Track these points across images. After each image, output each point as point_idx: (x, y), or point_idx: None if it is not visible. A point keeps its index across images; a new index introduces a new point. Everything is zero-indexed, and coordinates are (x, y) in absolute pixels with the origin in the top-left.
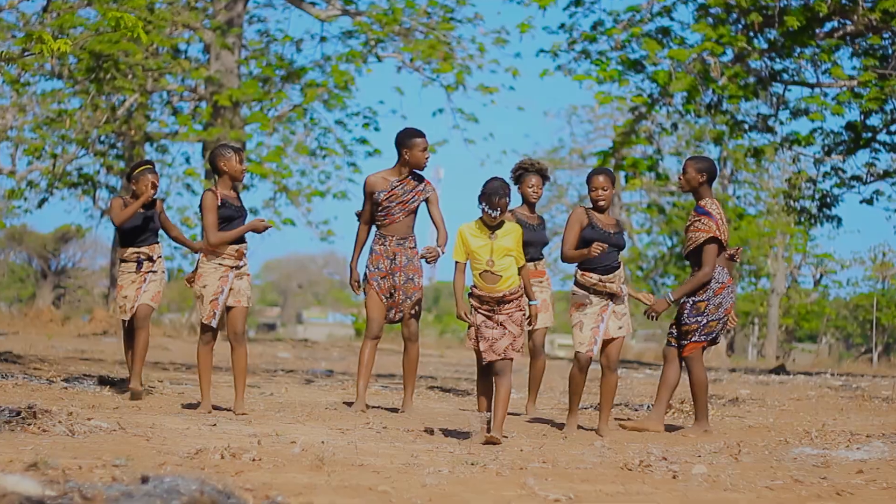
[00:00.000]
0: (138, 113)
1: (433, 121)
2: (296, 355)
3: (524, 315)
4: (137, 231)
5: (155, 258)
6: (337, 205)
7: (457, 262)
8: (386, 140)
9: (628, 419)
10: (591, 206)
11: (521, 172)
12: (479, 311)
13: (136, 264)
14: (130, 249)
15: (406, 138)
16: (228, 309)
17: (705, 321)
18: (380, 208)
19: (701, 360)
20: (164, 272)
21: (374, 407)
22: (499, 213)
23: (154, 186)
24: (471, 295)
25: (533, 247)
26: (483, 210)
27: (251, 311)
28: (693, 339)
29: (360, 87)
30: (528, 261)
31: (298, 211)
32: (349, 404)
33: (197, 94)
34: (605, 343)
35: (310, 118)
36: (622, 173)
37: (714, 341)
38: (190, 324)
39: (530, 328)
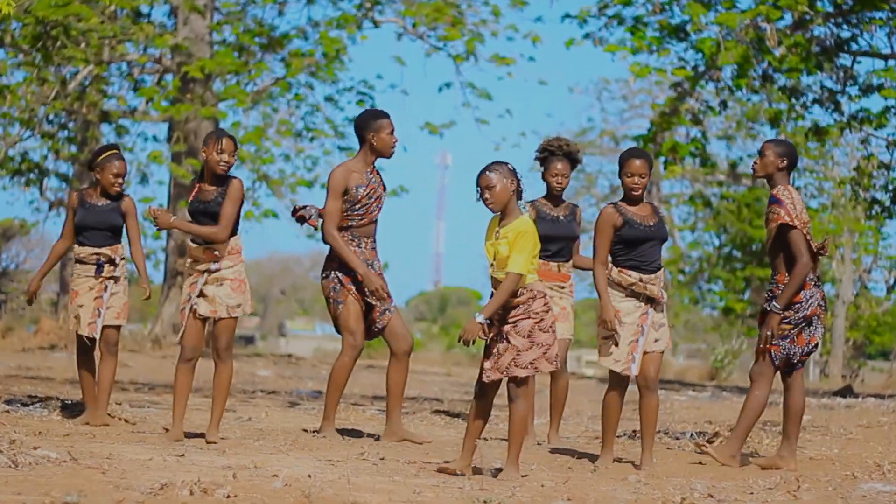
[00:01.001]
0: (93, 87)
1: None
2: (278, 373)
3: (542, 324)
4: (98, 228)
5: (117, 261)
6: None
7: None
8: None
9: (707, 441)
10: (621, 197)
11: (546, 155)
12: (492, 321)
13: (94, 267)
14: (89, 249)
15: (371, 120)
16: (214, 321)
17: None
18: (357, 207)
19: (769, 379)
20: (125, 278)
21: (369, 435)
22: (484, 199)
23: (121, 175)
24: None
25: (556, 243)
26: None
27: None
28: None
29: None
30: (550, 259)
31: (281, 203)
32: (341, 432)
33: (162, 65)
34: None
35: (294, 94)
36: (661, 159)
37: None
38: (154, 336)
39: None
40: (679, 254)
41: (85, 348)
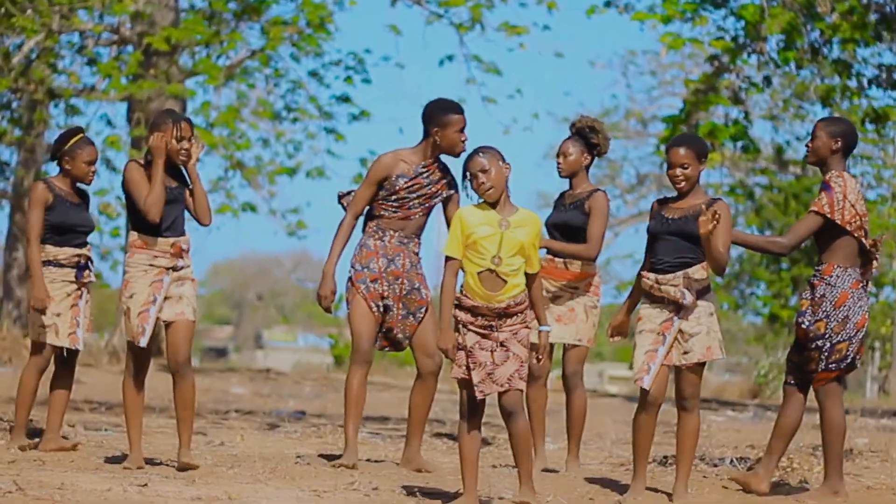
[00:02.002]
0: (41, 62)
1: (440, 72)
2: (254, 391)
3: (529, 333)
4: (80, 226)
5: (90, 264)
6: (311, 186)
7: (448, 259)
8: (376, 98)
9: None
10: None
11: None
12: (471, 327)
13: (75, 271)
14: (70, 251)
15: (439, 113)
16: (167, 326)
17: (829, 345)
18: (393, 198)
19: (838, 396)
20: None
21: (361, 460)
22: (480, 184)
23: (93, 162)
24: (458, 306)
25: (560, 233)
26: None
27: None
28: (820, 367)
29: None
30: (557, 254)
31: (258, 195)
32: (329, 458)
33: (120, 35)
34: (676, 374)
35: (273, 69)
36: None
37: (851, 367)
38: (112, 347)
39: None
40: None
41: (63, 363)
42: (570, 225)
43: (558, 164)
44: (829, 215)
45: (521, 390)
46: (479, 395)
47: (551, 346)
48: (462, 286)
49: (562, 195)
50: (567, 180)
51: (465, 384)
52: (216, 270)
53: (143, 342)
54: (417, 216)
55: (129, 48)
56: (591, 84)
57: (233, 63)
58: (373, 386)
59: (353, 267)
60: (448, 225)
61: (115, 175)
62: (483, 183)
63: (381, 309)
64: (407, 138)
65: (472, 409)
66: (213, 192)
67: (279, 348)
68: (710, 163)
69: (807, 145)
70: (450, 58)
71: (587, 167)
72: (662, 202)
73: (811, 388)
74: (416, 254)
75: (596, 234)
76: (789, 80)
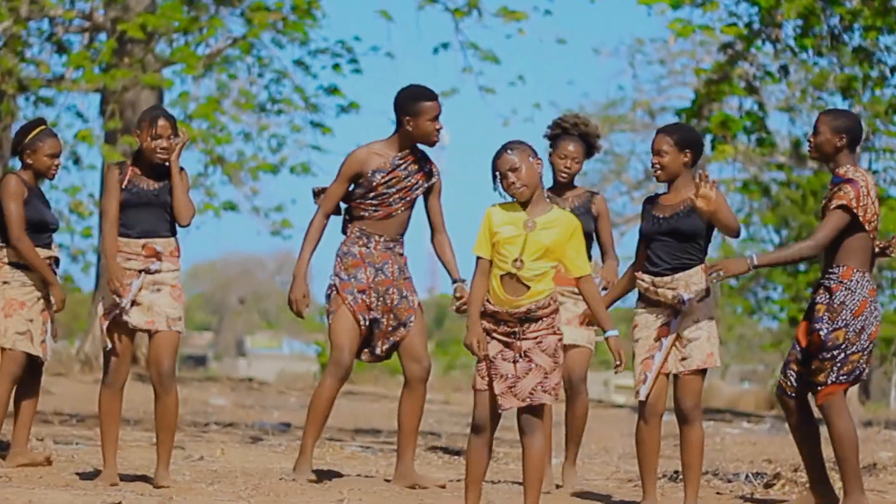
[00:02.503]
0: (7, 50)
1: (435, 60)
2: (236, 402)
3: (560, 341)
4: (51, 222)
5: (57, 266)
6: (296, 183)
7: (479, 259)
8: (365, 89)
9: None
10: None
11: (558, 132)
12: (494, 334)
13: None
14: (44, 252)
15: (410, 101)
16: (149, 335)
17: (843, 355)
18: (371, 195)
19: (845, 408)
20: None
21: (351, 476)
22: (510, 184)
23: (57, 155)
24: (483, 313)
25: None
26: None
27: None
28: (830, 380)
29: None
30: None
31: (240, 192)
32: (316, 473)
33: (93, 22)
34: (675, 383)
35: (257, 57)
36: (708, 136)
37: (858, 380)
38: (83, 355)
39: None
40: (730, 253)
41: (31, 373)
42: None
43: (566, 167)
44: (855, 210)
45: (545, 405)
46: (500, 409)
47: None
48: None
49: (556, 197)
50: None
51: (485, 396)
52: (195, 273)
53: (108, 346)
54: (400, 212)
55: (103, 36)
56: (596, 73)
57: (213, 51)
58: (363, 396)
59: (337, 276)
60: (429, 219)
61: (87, 172)
62: (513, 182)
63: (368, 322)
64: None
65: (485, 424)
66: (192, 188)
67: (262, 356)
68: (723, 156)
69: (808, 140)
70: (445, 45)
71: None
72: (652, 200)
73: (809, 399)
74: (402, 255)
75: (611, 239)
76: (807, 70)
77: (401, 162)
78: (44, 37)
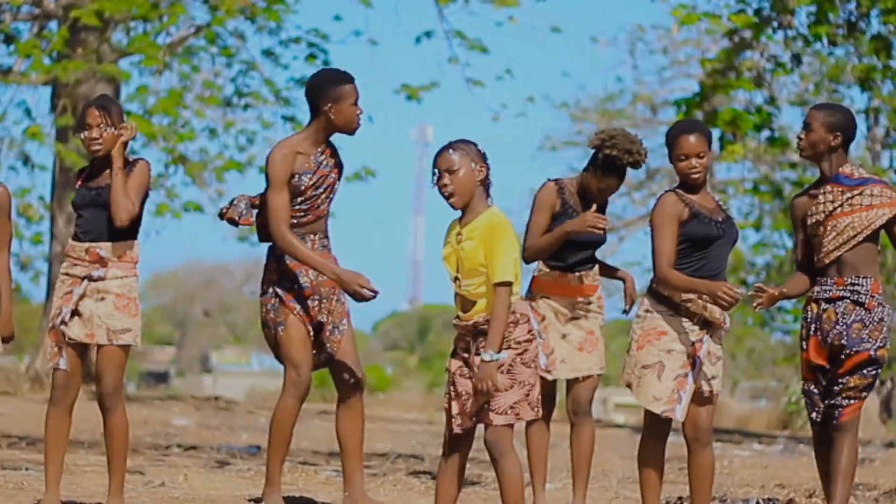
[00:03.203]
0: None
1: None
2: (201, 422)
3: (524, 354)
4: None
5: None
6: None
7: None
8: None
9: None
10: (677, 185)
11: (610, 155)
12: (457, 350)
13: None
14: None
15: (330, 85)
16: (97, 349)
17: (878, 371)
18: (300, 200)
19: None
20: None
21: (321, 502)
22: (442, 185)
23: None
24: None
25: (582, 249)
26: None
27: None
28: (862, 395)
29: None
30: (574, 268)
31: (204, 194)
32: (287, 500)
33: (43, 8)
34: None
35: (222, 47)
36: (716, 133)
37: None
38: (33, 372)
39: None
40: (740, 259)
41: None
42: (597, 241)
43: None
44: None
45: (507, 425)
46: (455, 430)
47: (553, 382)
48: None
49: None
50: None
51: (447, 415)
52: (156, 282)
53: (62, 364)
54: (326, 210)
55: (54, 25)
56: (593, 64)
57: (174, 41)
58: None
59: (276, 285)
60: None
61: (37, 172)
62: (445, 185)
63: (314, 330)
64: (379, 126)
65: (452, 444)
66: (152, 189)
67: (230, 372)
68: (732, 155)
69: (799, 136)
70: (428, 34)
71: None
72: (682, 195)
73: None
74: (331, 253)
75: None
76: (822, 60)
77: (322, 158)
78: None
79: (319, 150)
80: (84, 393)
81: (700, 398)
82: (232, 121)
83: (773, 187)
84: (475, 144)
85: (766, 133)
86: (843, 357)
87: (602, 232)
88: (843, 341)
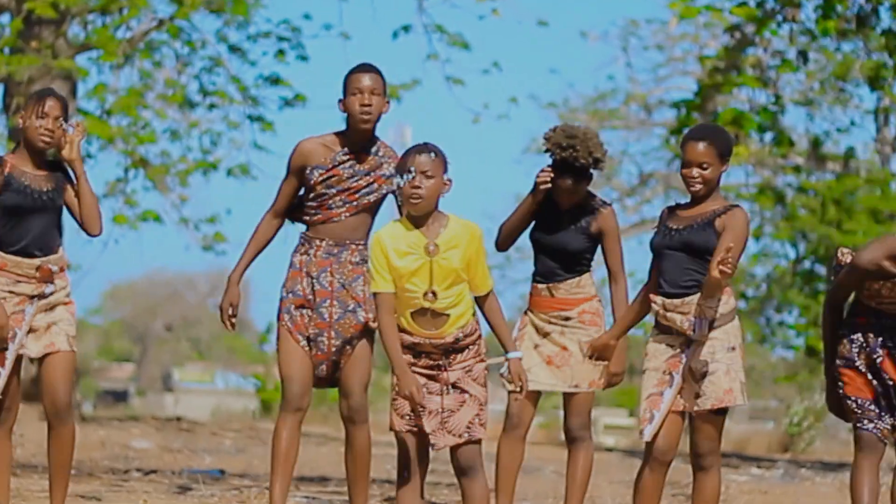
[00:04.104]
0: None
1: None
2: (162, 445)
3: (487, 367)
4: None
5: None
6: (232, 189)
7: (377, 295)
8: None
9: None
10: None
11: (548, 150)
12: (415, 369)
13: None
14: None
15: (345, 78)
16: (39, 362)
17: None
18: (311, 195)
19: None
20: None
21: None
22: (413, 188)
23: None
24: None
25: (551, 256)
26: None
27: (84, 370)
28: None
29: None
30: (544, 280)
31: (166, 199)
32: None
33: None
34: (691, 423)
35: (186, 41)
36: None
37: None
38: None
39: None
40: (739, 270)
41: None
42: (566, 249)
43: (564, 201)
44: None
45: (481, 441)
46: (434, 449)
47: (538, 392)
48: (399, 324)
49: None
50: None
51: (406, 437)
52: (114, 294)
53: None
54: (344, 217)
55: (7, 16)
56: (583, 61)
57: (135, 35)
58: (309, 439)
59: (281, 291)
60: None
61: None
62: (418, 187)
63: (308, 342)
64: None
65: (411, 467)
66: (109, 196)
67: (193, 391)
68: (736, 158)
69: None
70: (406, 28)
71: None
72: (672, 210)
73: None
74: (355, 264)
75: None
76: (829, 57)
77: (345, 158)
78: None
79: (344, 150)
80: (36, 413)
81: (694, 420)
82: (196, 121)
83: (775, 193)
84: (445, 157)
85: (770, 135)
86: None
87: (546, 184)
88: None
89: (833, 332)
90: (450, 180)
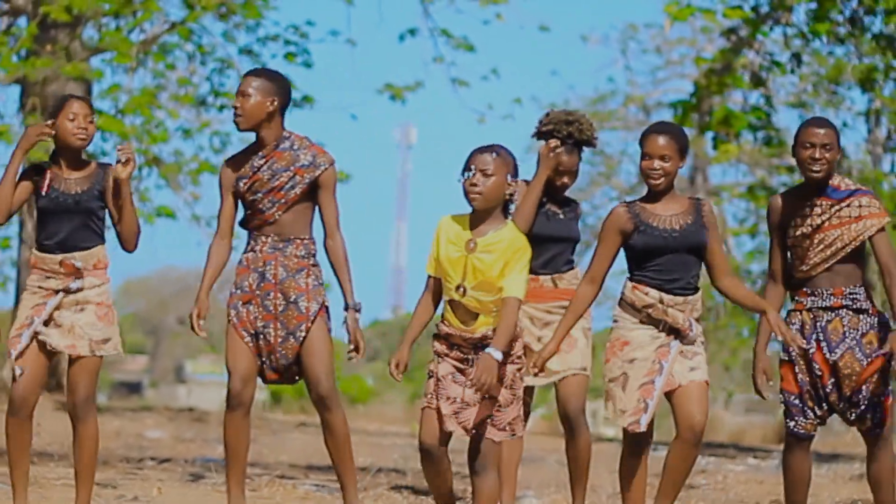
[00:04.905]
0: None
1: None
2: (175, 434)
3: (522, 371)
4: None
5: None
6: None
7: (428, 277)
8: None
9: None
10: (643, 194)
11: (549, 129)
12: (447, 358)
13: None
14: None
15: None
16: (69, 360)
17: None
18: (245, 204)
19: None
20: None
21: None
22: (472, 185)
23: None
24: (436, 335)
25: (551, 246)
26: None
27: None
28: (889, 392)
29: None
30: (546, 270)
31: (178, 197)
32: None
33: (12, 4)
34: (677, 400)
35: (197, 45)
36: (709, 134)
37: None
38: (2, 382)
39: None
40: (735, 268)
41: None
42: (562, 237)
43: (565, 183)
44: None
45: (495, 441)
46: (445, 428)
47: (531, 387)
48: (442, 313)
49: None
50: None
51: (430, 414)
52: (128, 289)
53: (17, 372)
54: (279, 215)
55: (23, 20)
56: (584, 63)
57: (148, 38)
58: (316, 429)
59: (230, 288)
60: (322, 219)
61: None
62: (476, 185)
63: (255, 336)
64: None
65: (431, 442)
66: None
67: (204, 383)
68: (726, 156)
69: (818, 158)
70: (412, 32)
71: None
72: (636, 206)
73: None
74: (300, 257)
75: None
76: (821, 60)
77: (261, 162)
78: None
79: (261, 154)
80: (52, 403)
81: (684, 390)
82: (207, 121)
83: (768, 191)
84: (515, 158)
85: (762, 135)
86: (860, 366)
87: (559, 149)
88: (857, 354)
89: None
90: (515, 182)
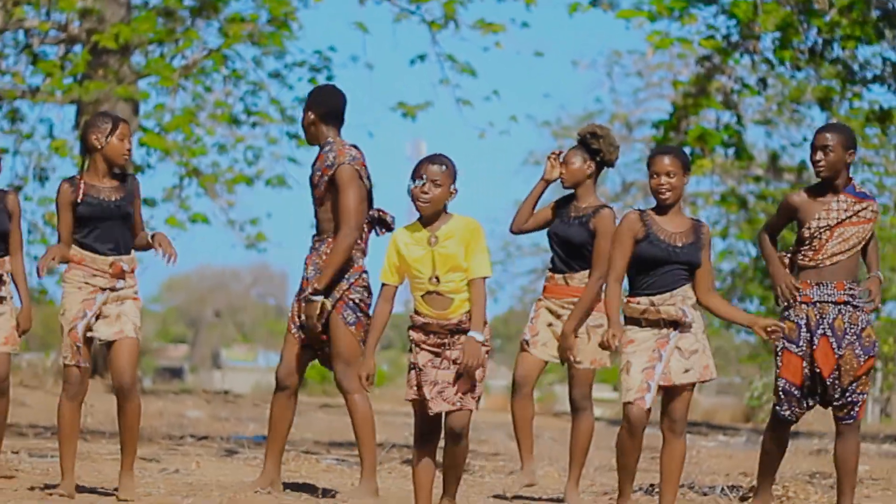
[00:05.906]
0: None
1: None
2: (212, 414)
3: (489, 351)
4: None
5: (4, 277)
6: (271, 196)
7: (383, 286)
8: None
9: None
10: (652, 205)
11: (580, 137)
12: (424, 346)
13: None
14: None
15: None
16: (108, 346)
17: None
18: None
19: None
20: (12, 298)
21: (324, 491)
22: (422, 192)
23: None
24: (411, 327)
25: (564, 249)
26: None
27: (145, 350)
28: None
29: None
30: (557, 270)
31: (215, 204)
32: (291, 487)
33: (68, 33)
34: (667, 394)
35: (232, 69)
36: (686, 150)
37: None
38: (57, 367)
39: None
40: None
41: None
42: (572, 241)
43: (561, 174)
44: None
45: (472, 410)
46: (430, 412)
47: (544, 362)
48: (414, 305)
49: (565, 204)
50: (565, 189)
51: (418, 405)
52: (170, 286)
53: (81, 363)
54: (316, 208)
55: (78, 47)
56: (574, 85)
57: (188, 63)
58: (339, 409)
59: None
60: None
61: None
62: (425, 193)
63: (300, 327)
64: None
65: (426, 433)
66: (166, 200)
67: (238, 368)
68: (701, 170)
69: (818, 160)
70: (421, 57)
71: (593, 177)
72: (647, 215)
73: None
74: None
75: (604, 257)
76: (785, 83)
77: (313, 166)
78: (18, 48)
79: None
80: (103, 387)
81: (675, 390)
82: (241, 137)
83: (738, 199)
84: (455, 167)
85: (733, 149)
86: (858, 363)
87: (556, 157)
88: (857, 350)
89: (771, 247)
90: (456, 190)
